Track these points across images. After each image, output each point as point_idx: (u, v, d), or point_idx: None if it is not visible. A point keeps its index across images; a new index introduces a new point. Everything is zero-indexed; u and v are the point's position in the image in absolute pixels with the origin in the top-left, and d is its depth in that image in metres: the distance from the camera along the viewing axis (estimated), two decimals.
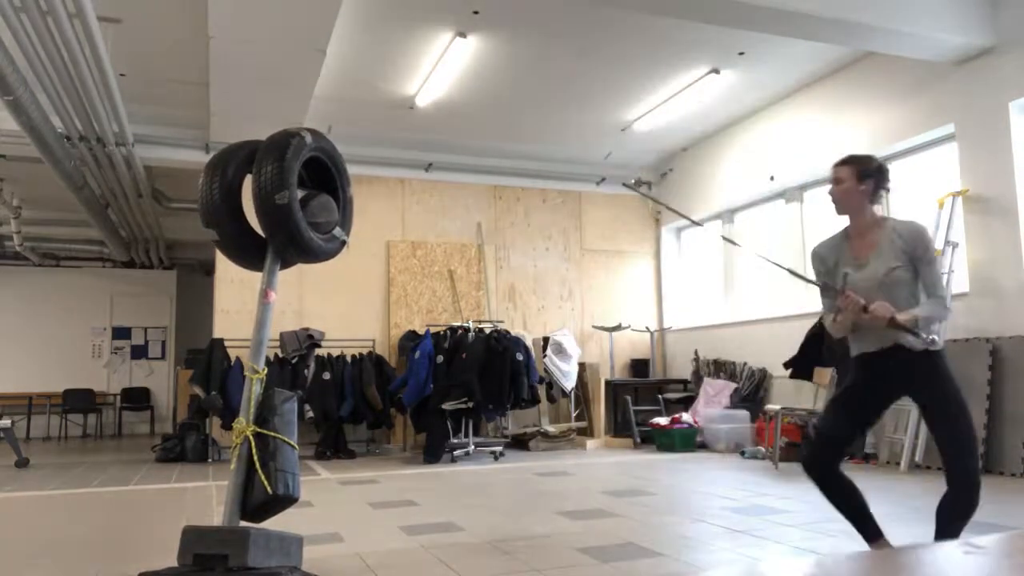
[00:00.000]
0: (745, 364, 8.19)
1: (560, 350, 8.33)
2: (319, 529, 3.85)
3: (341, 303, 8.44)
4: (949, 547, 1.01)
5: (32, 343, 12.03)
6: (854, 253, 2.75)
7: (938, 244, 6.05)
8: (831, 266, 2.80)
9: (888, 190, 2.81)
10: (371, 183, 8.72)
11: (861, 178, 2.73)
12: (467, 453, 7.15)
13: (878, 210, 2.78)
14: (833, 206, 2.81)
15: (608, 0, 5.08)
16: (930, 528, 2.56)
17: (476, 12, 5.87)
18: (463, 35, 6.21)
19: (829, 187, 2.82)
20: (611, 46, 6.54)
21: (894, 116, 6.59)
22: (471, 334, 7.27)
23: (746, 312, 8.67)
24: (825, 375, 6.20)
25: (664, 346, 9.80)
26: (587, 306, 9.57)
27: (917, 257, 2.64)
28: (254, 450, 2.64)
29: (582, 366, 8.79)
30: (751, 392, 7.95)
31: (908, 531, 3.47)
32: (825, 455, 2.73)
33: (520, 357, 7.16)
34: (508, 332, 7.45)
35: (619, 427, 8.85)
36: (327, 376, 7.55)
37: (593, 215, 9.76)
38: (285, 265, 3.02)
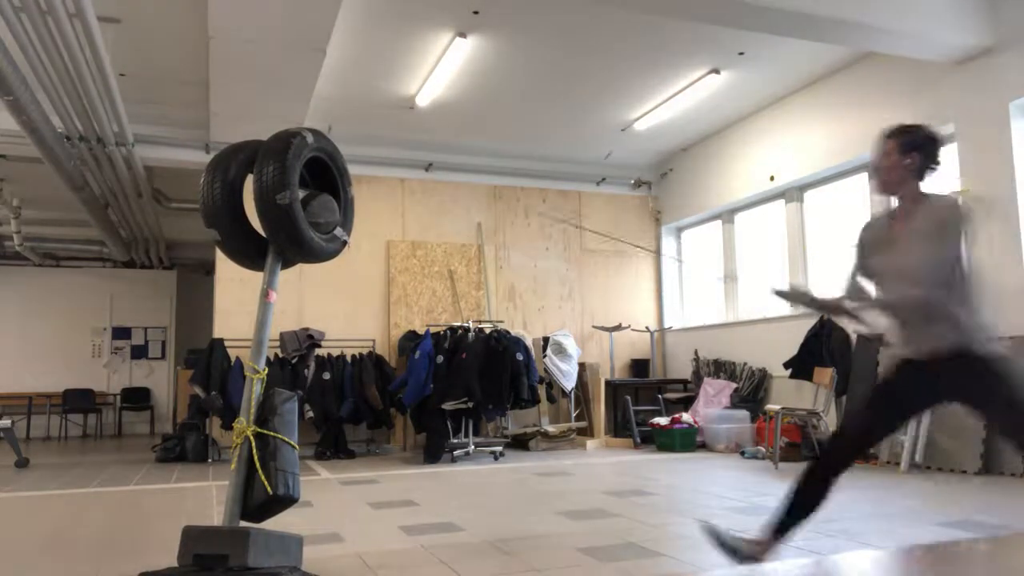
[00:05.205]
0: (745, 364, 8.20)
1: (560, 350, 8.33)
2: (319, 529, 3.85)
3: (341, 303, 8.44)
4: (949, 547, 1.02)
5: (32, 343, 12.04)
6: (891, 236, 2.47)
7: None
8: (866, 252, 2.56)
9: (937, 165, 2.46)
10: (371, 183, 8.72)
11: (904, 150, 2.42)
12: (467, 453, 7.15)
13: (924, 187, 2.45)
14: (874, 184, 2.51)
15: (608, 0, 5.08)
16: (929, 528, 2.55)
17: (476, 12, 5.87)
18: (463, 35, 6.22)
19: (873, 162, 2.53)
20: (611, 46, 6.54)
21: (894, 116, 6.58)
22: (471, 334, 7.27)
23: (746, 312, 8.68)
24: (825, 375, 6.20)
25: (664, 346, 9.80)
26: (587, 306, 9.57)
27: (942, 237, 2.31)
28: (254, 450, 2.65)
29: (582, 366, 8.79)
30: (751, 392, 7.95)
31: (908, 531, 3.47)
32: None
33: (520, 357, 7.16)
34: (508, 332, 7.45)
35: (619, 427, 8.85)
36: (327, 376, 7.55)
37: (593, 215, 9.76)
38: (286, 265, 3.03)
